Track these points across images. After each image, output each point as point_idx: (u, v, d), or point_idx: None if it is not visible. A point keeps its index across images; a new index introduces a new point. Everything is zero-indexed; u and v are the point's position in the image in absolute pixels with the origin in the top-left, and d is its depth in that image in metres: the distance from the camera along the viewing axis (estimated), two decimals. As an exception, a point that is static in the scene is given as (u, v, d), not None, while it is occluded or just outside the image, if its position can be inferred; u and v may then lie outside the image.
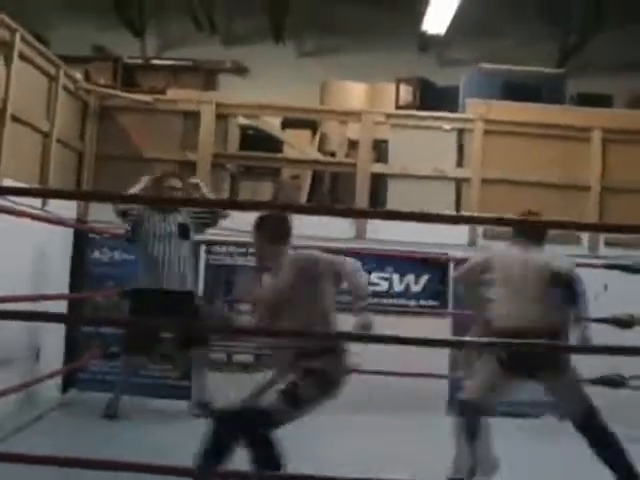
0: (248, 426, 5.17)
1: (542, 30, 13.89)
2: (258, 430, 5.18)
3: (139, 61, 13.68)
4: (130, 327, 7.73)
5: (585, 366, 6.28)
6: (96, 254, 9.41)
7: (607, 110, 10.70)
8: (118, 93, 10.32)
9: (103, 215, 8.88)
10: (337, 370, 5.37)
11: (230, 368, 9.35)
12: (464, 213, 9.44)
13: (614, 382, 8.13)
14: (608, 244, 9.03)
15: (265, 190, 10.62)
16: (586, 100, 11.13)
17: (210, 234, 9.22)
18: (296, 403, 5.20)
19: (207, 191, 8.52)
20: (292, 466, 5.09)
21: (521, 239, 6.21)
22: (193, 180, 8.61)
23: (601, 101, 11.07)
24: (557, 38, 14.11)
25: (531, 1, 13.34)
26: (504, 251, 6.39)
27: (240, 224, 9.19)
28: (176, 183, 8.28)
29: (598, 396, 8.00)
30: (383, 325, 8.34)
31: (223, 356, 9.35)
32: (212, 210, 8.35)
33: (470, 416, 5.85)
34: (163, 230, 8.19)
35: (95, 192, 8.76)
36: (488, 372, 5.96)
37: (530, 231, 6.16)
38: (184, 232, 8.30)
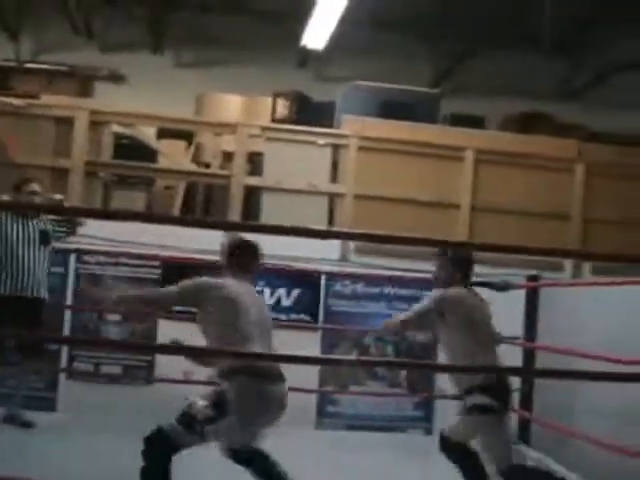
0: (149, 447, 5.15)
1: (418, 51, 14.12)
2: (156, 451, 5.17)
3: (13, 64, 13.42)
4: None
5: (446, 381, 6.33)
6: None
7: (479, 131, 10.91)
8: (-10, 96, 10.10)
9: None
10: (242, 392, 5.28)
11: (97, 379, 9.22)
12: (336, 228, 9.49)
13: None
14: (477, 262, 9.17)
15: (138, 200, 10.51)
16: (459, 120, 11.33)
17: (81, 243, 9.09)
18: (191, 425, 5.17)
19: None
20: None
21: None
22: (57, 196, 8.41)
23: (474, 122, 11.29)
24: (432, 59, 14.35)
25: (408, 22, 13.51)
26: None
27: (111, 234, 9.13)
28: (35, 187, 8.10)
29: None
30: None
31: (90, 367, 9.20)
32: (70, 219, 8.20)
33: None
34: (23, 236, 8.01)
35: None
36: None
37: None
38: (45, 239, 8.13)
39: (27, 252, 7.96)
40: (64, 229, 8.26)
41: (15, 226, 7.97)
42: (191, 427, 5.26)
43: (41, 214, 8.10)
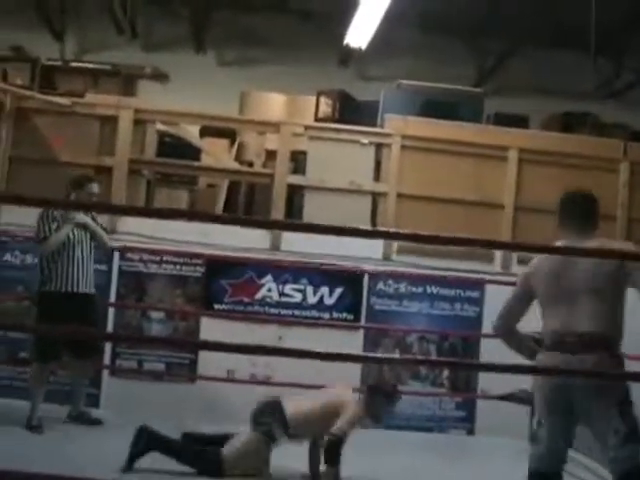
0: None
1: (461, 50, 14.07)
2: None
3: (58, 63, 13.47)
4: (40, 333, 7.61)
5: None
6: (7, 257, 9.26)
7: (523, 130, 10.85)
8: (35, 95, 10.17)
9: (15, 218, 8.76)
10: None
11: (140, 377, 9.28)
12: (379, 228, 9.48)
13: (521, 399, 8.22)
14: (520, 262, 9.13)
15: (181, 198, 10.56)
16: (503, 120, 11.28)
17: (125, 241, 9.17)
18: None
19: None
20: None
21: None
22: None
23: (517, 121, 11.23)
24: (476, 59, 14.31)
25: (451, 22, 13.47)
26: None
27: (155, 232, 9.20)
28: (95, 189, 8.16)
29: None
30: (296, 337, 8.45)
31: (133, 364, 9.26)
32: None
33: None
34: (77, 234, 8.08)
35: (9, 195, 8.62)
36: None
37: None
38: (93, 237, 8.21)
39: (79, 250, 8.05)
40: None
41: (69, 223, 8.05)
42: None
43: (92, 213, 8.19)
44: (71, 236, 8.02)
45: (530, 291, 5.33)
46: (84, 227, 8.10)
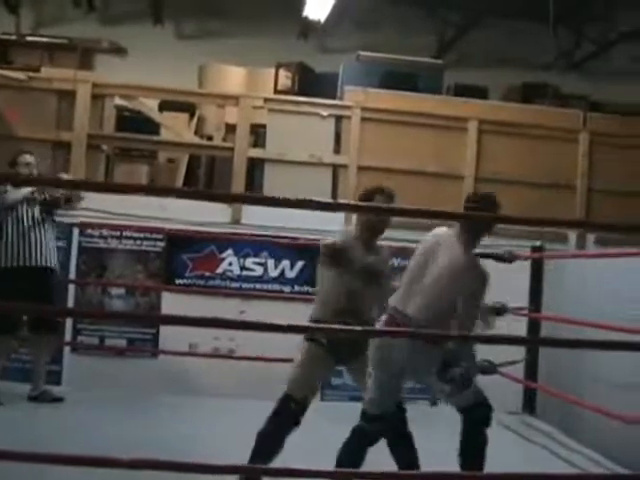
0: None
1: (421, 21, 14.04)
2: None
3: (13, 37, 13.32)
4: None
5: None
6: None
7: (483, 101, 10.87)
8: (-10, 69, 10.05)
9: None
10: None
11: (102, 353, 9.24)
12: (340, 200, 9.45)
13: (484, 369, 8.26)
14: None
15: (141, 172, 10.48)
16: (462, 91, 11.27)
17: (84, 216, 9.10)
18: None
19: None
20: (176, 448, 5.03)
21: None
22: (65, 175, 8.40)
23: (477, 92, 11.24)
24: (435, 30, 14.28)
25: (411, -8, 13.46)
26: None
27: (114, 207, 9.13)
28: (29, 159, 8.07)
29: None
30: (257, 310, 8.43)
31: (95, 340, 9.21)
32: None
33: None
34: (27, 209, 8.01)
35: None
36: None
37: None
38: (49, 210, 8.15)
39: (34, 224, 7.98)
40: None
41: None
42: None
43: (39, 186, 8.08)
44: (24, 212, 7.96)
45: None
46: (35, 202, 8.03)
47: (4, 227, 8.01)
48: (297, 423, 5.59)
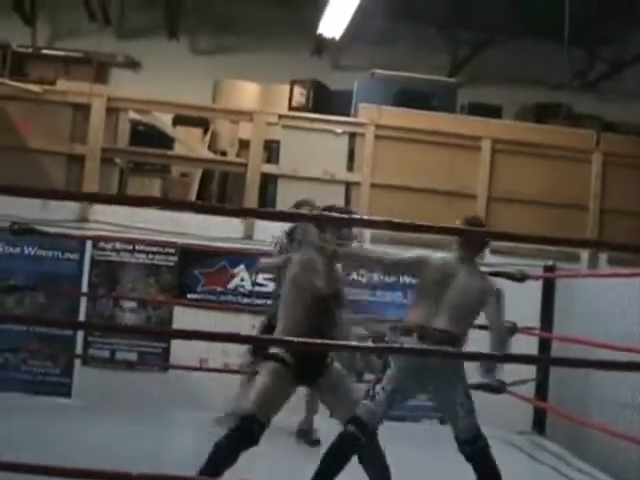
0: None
1: (435, 40, 14.06)
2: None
3: (29, 50, 13.41)
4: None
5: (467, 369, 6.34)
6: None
7: (496, 120, 10.87)
8: (6, 81, 10.10)
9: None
10: None
11: (112, 366, 9.25)
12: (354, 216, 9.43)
13: (494, 388, 8.24)
14: (494, 252, 9.15)
15: (154, 186, 10.52)
16: (476, 110, 11.29)
17: (97, 230, 9.13)
18: None
19: None
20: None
21: None
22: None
23: (491, 111, 11.24)
24: (450, 49, 14.30)
25: (425, 11, 13.46)
26: None
27: (128, 221, 9.15)
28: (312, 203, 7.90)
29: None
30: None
31: (106, 353, 9.22)
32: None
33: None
34: None
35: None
36: None
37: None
38: None
39: None
40: None
41: None
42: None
43: None
44: None
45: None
46: None
47: None
48: (256, 442, 5.53)
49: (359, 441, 5.56)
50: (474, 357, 5.49)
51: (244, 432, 5.51)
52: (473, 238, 5.96)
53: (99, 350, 9.20)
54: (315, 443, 7.74)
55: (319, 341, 5.56)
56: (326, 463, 5.57)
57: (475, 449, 5.72)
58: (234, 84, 12.43)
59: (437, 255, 5.91)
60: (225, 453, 5.47)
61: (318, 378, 5.76)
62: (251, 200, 9.61)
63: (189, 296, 9.32)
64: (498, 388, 7.40)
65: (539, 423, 9.04)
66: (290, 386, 5.73)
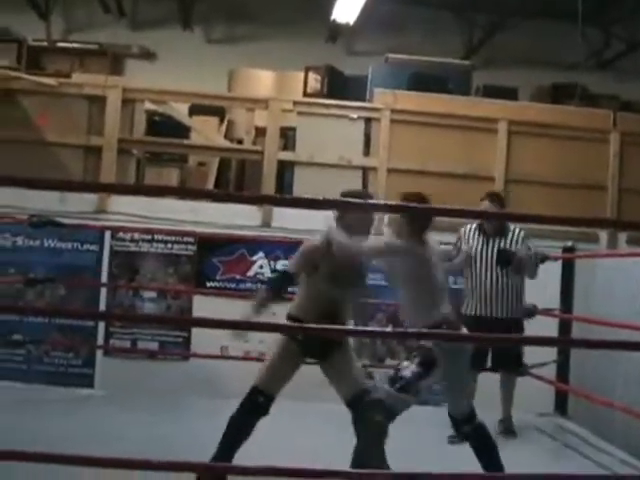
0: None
1: (449, 23, 14.04)
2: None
3: (44, 43, 13.47)
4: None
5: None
6: (-3, 239, 9.24)
7: (512, 102, 10.84)
8: (22, 75, 10.13)
9: (5, 199, 8.74)
10: None
11: (134, 356, 9.29)
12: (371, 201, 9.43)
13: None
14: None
15: (171, 176, 10.55)
16: (492, 92, 11.25)
17: (115, 220, 9.17)
18: None
19: None
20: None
21: None
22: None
23: (506, 93, 11.21)
24: (464, 32, 14.27)
25: (439, -6, 13.47)
26: None
27: (146, 211, 9.18)
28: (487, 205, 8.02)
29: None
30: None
31: (127, 343, 9.26)
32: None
33: None
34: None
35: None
36: None
37: None
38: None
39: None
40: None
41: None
42: (408, 390, 5.49)
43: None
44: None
45: None
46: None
47: None
48: (265, 413, 5.77)
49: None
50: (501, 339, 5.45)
51: (250, 405, 5.73)
52: (420, 216, 5.85)
53: (120, 340, 9.24)
54: (511, 434, 7.92)
55: (338, 327, 5.63)
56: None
57: (473, 427, 5.76)
58: (249, 72, 12.44)
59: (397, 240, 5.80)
60: (236, 428, 5.71)
61: (327, 355, 5.87)
62: (268, 187, 9.61)
63: (208, 285, 9.34)
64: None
65: (561, 405, 9.01)
66: (298, 360, 5.90)
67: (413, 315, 5.70)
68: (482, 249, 7.92)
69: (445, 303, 5.71)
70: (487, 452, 5.76)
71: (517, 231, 7.96)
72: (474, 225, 8.06)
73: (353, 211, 5.93)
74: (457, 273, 8.32)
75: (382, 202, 7.07)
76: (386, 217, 6.18)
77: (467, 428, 5.75)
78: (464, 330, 5.70)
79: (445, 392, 5.94)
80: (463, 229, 8.09)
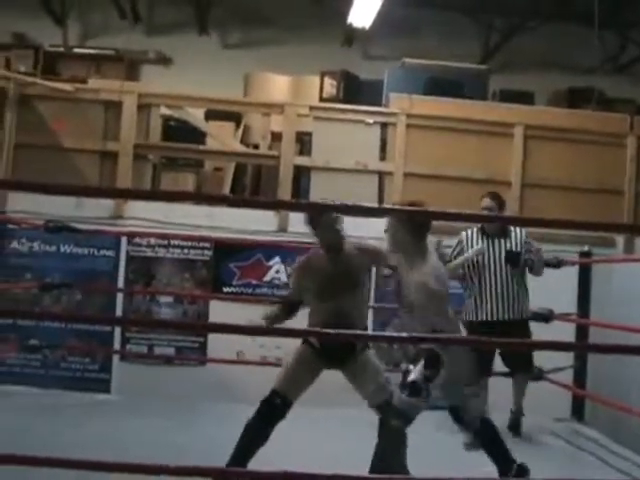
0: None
1: (465, 27, 14.02)
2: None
3: (61, 49, 13.52)
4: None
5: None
6: (14, 244, 9.26)
7: (529, 107, 10.82)
8: (38, 81, 10.17)
9: (22, 205, 8.77)
10: None
11: (150, 361, 9.30)
12: (386, 205, 9.44)
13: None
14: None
15: (187, 181, 10.56)
16: (508, 97, 11.26)
17: (132, 226, 9.18)
18: None
19: None
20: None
21: None
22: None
23: (523, 98, 11.20)
24: (480, 36, 14.26)
25: (455, -1, 13.46)
26: None
27: (162, 216, 9.19)
28: (490, 204, 7.99)
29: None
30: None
31: (143, 348, 9.26)
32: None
33: None
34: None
35: (11, 181, 8.60)
36: None
37: None
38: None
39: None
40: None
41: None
42: (419, 393, 5.48)
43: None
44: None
45: None
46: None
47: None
48: (281, 417, 5.80)
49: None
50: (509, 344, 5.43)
51: (268, 409, 5.77)
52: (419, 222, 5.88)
53: (137, 345, 9.25)
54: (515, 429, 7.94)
55: (356, 332, 5.64)
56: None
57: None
58: (265, 77, 12.45)
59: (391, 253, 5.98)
60: (254, 430, 5.74)
61: (346, 362, 5.91)
62: (284, 192, 9.61)
63: (225, 290, 9.35)
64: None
65: (578, 410, 8.99)
66: (316, 367, 5.96)
67: (409, 323, 5.70)
68: (488, 252, 7.88)
69: (445, 309, 5.73)
70: (495, 446, 5.78)
71: (519, 231, 7.92)
72: (475, 229, 8.03)
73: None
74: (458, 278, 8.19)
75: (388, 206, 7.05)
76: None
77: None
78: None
79: (452, 395, 5.90)
80: (464, 233, 8.05)
